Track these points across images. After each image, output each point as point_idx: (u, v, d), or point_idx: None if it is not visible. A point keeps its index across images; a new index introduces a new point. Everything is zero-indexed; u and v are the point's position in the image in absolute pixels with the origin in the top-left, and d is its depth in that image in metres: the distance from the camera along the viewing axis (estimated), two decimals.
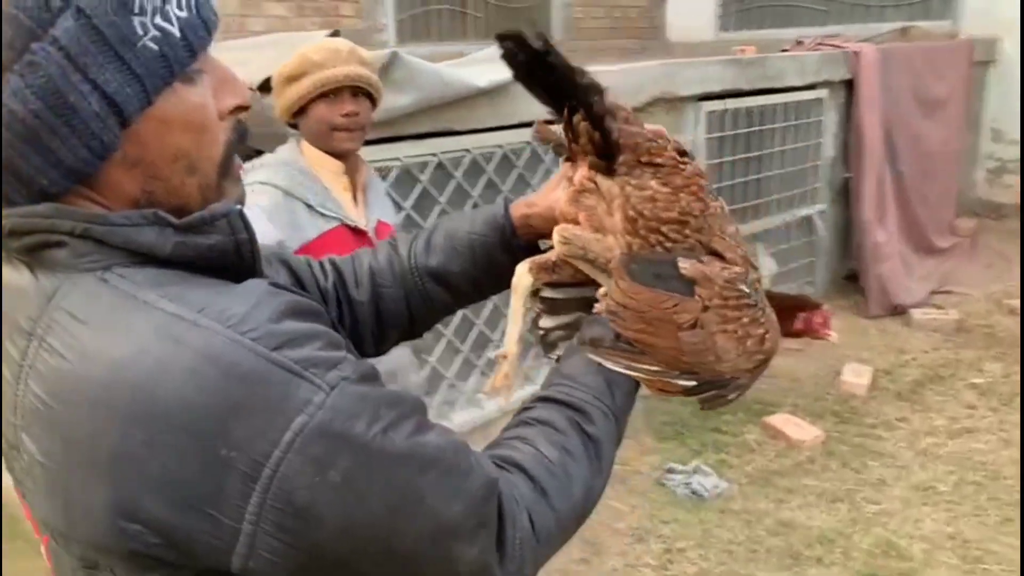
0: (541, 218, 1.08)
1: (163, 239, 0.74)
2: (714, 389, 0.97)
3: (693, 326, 0.92)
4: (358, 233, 2.14)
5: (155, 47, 0.72)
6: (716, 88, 4.71)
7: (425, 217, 3.18)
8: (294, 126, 2.17)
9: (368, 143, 2.32)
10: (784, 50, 5.84)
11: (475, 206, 3.39)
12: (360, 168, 2.22)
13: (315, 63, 2.04)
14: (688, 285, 0.92)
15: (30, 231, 0.74)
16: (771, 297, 1.01)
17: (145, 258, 0.74)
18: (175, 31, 0.74)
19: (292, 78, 2.07)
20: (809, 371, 4.67)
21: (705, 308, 0.92)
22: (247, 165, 2.11)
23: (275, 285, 0.78)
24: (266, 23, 5.08)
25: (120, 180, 0.76)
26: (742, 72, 4.85)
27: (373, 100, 2.17)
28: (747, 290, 0.94)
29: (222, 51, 0.86)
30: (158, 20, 0.73)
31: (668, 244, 0.92)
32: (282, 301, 0.75)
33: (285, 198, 2.05)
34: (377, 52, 2.69)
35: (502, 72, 0.92)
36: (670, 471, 3.70)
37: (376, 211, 2.23)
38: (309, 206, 2.07)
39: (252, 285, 0.76)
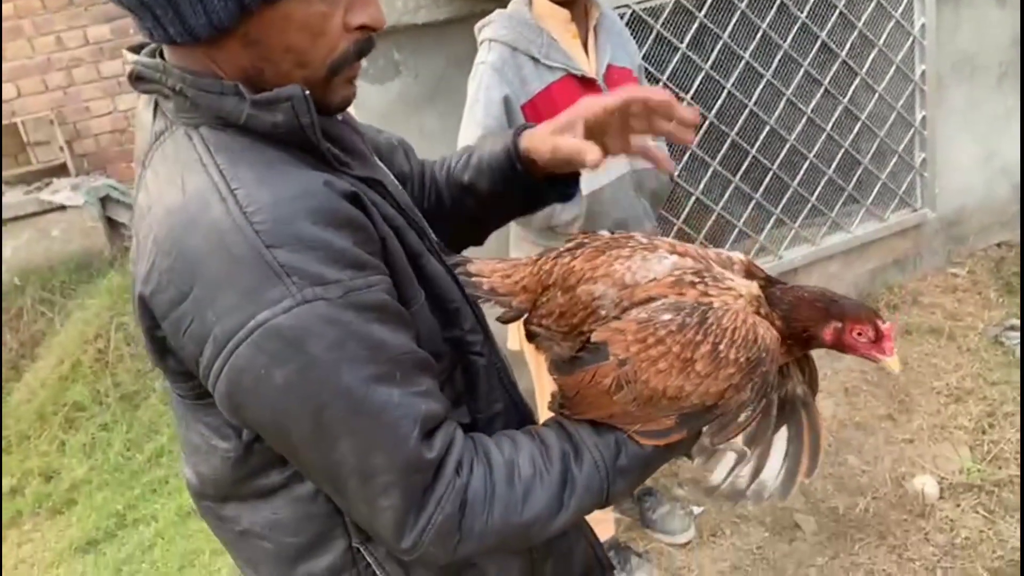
0: (540, 158, 1.14)
1: (239, 109, 0.86)
2: (708, 422, 0.94)
3: (619, 386, 0.92)
4: (586, 82, 2.11)
5: None
6: None
7: (663, 68, 3.04)
8: None
9: None
10: None
11: (723, 50, 3.19)
12: (591, 12, 2.16)
13: None
14: (603, 350, 0.93)
15: (148, 79, 0.90)
16: (800, 299, 0.96)
17: (226, 122, 0.87)
18: None
19: None
20: None
21: (622, 363, 0.91)
22: (481, 22, 2.18)
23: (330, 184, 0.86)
24: None
25: (237, 53, 0.87)
26: None
27: None
28: (671, 316, 0.91)
29: None
30: None
31: (584, 337, 0.96)
32: (314, 204, 0.83)
33: (512, 53, 2.07)
34: None
35: None
36: (1011, 328, 3.31)
37: (608, 56, 2.17)
38: (534, 59, 2.07)
39: (305, 178, 0.86)
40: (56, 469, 3.71)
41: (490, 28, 2.14)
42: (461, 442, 0.90)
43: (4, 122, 5.23)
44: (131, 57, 0.92)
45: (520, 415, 1.10)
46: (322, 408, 0.82)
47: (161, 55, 0.93)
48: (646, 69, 2.95)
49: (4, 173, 5.24)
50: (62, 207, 4.89)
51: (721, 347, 0.89)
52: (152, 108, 0.93)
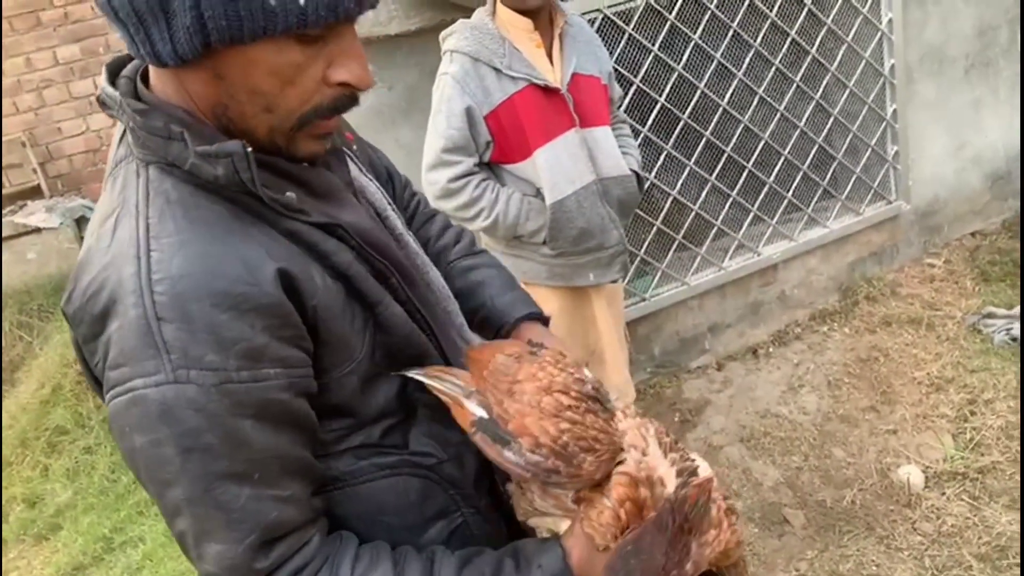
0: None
1: (183, 156, 0.84)
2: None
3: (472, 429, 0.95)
4: (550, 91, 2.10)
5: (273, 3, 0.78)
6: None
7: (636, 71, 3.05)
8: None
9: None
10: None
11: (695, 51, 3.22)
12: (556, 21, 2.15)
13: None
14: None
15: (110, 107, 0.90)
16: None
17: (175, 168, 0.86)
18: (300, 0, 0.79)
19: None
20: None
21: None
22: (444, 32, 2.18)
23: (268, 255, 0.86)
24: None
25: (208, 83, 0.86)
26: None
27: None
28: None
29: None
30: None
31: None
32: (221, 286, 0.82)
33: (474, 64, 2.07)
34: None
35: None
36: (989, 316, 3.35)
37: (573, 65, 2.15)
38: (497, 69, 2.07)
39: (229, 252, 0.84)
40: (40, 495, 3.67)
41: (452, 39, 2.14)
42: (309, 553, 0.89)
43: None
44: (101, 82, 0.93)
45: (473, 463, 1.08)
46: (166, 484, 0.83)
47: (144, 75, 0.93)
48: (619, 73, 2.97)
49: None
50: (37, 229, 4.85)
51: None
52: (121, 132, 0.94)
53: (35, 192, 5.27)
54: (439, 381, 0.98)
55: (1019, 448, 2.73)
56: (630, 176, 2.26)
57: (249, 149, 0.85)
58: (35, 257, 4.86)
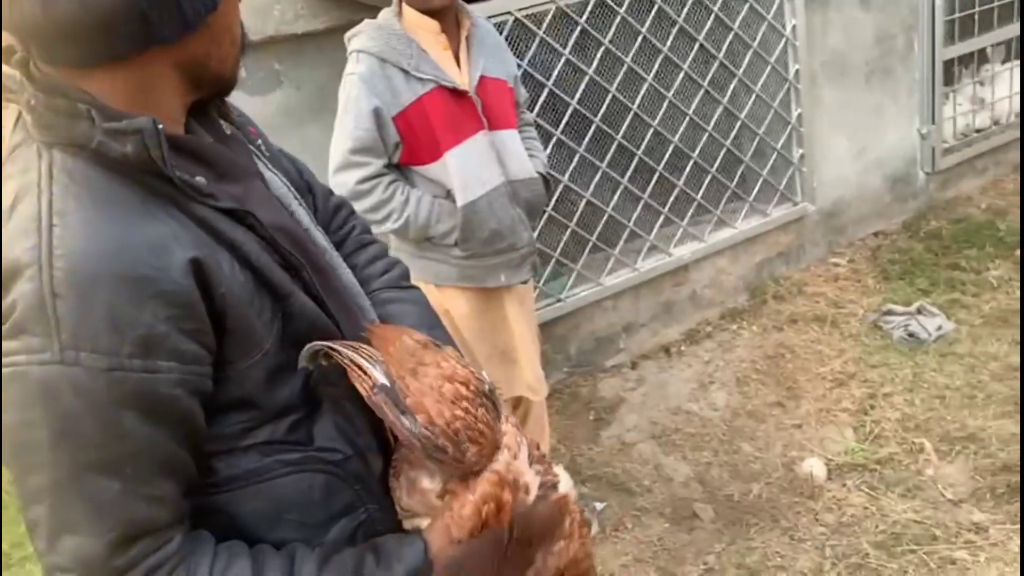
0: None
1: (90, 135, 0.82)
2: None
3: None
4: (457, 93, 2.11)
5: None
6: None
7: (548, 74, 3.08)
8: None
9: None
10: None
11: (606, 55, 3.28)
12: (463, 23, 2.15)
13: None
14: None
15: (8, 89, 0.86)
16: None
17: (80, 147, 0.83)
18: None
19: None
20: None
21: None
22: (350, 32, 2.16)
23: (168, 243, 0.83)
24: None
25: (201, 43, 0.91)
26: None
27: None
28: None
29: None
30: None
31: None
32: (124, 268, 0.79)
33: (381, 64, 2.05)
34: None
35: None
36: (888, 313, 3.49)
37: (480, 67, 2.16)
38: (404, 71, 2.06)
39: (135, 234, 0.82)
40: None
41: (358, 39, 2.12)
42: (167, 553, 0.86)
43: None
44: None
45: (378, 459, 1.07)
46: (31, 469, 0.80)
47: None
48: (531, 76, 2.99)
49: None
50: None
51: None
52: (15, 118, 0.89)
53: None
54: (347, 348, 0.98)
55: (914, 439, 2.85)
56: (537, 179, 2.28)
57: (160, 126, 0.84)
58: None
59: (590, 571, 0.98)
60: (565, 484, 0.94)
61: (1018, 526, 2.42)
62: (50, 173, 0.83)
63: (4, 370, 0.78)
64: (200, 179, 0.89)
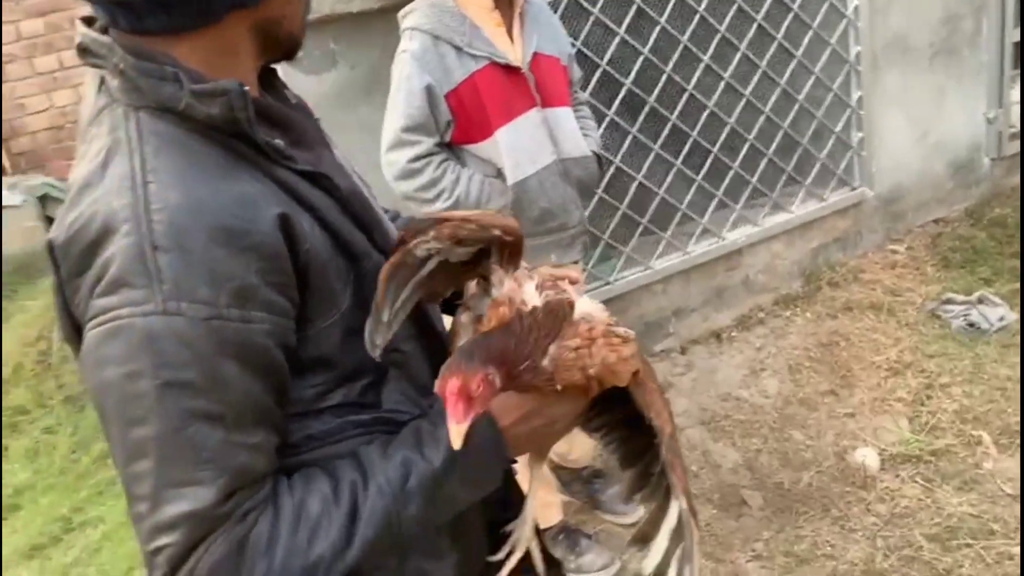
0: None
1: (177, 96, 0.84)
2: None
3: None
4: (511, 70, 2.11)
5: None
6: None
7: (602, 55, 3.04)
8: None
9: None
10: None
11: (661, 34, 3.22)
12: (516, 0, 2.15)
13: None
14: None
15: (95, 54, 0.88)
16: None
17: (166, 109, 0.85)
18: None
19: None
20: None
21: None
22: (404, 9, 2.17)
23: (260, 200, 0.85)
24: None
25: (275, 6, 0.94)
26: None
27: None
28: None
29: None
30: None
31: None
32: (220, 221, 0.81)
33: (434, 41, 2.06)
34: None
35: None
36: (948, 302, 3.40)
37: (534, 44, 2.16)
38: (457, 47, 2.07)
39: (227, 190, 0.84)
40: None
41: (412, 17, 2.12)
42: (260, 499, 0.87)
43: None
44: (82, 29, 0.90)
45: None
46: (136, 422, 0.80)
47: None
48: (585, 55, 2.96)
49: None
50: None
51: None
52: (98, 83, 0.90)
53: None
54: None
55: (972, 432, 2.78)
56: (591, 157, 2.27)
57: (246, 88, 0.86)
58: None
59: (640, 378, 1.00)
60: (584, 303, 0.98)
61: None
62: (139, 134, 0.85)
63: (104, 326, 0.80)
64: (279, 141, 0.92)
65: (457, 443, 0.83)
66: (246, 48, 0.94)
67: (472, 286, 1.04)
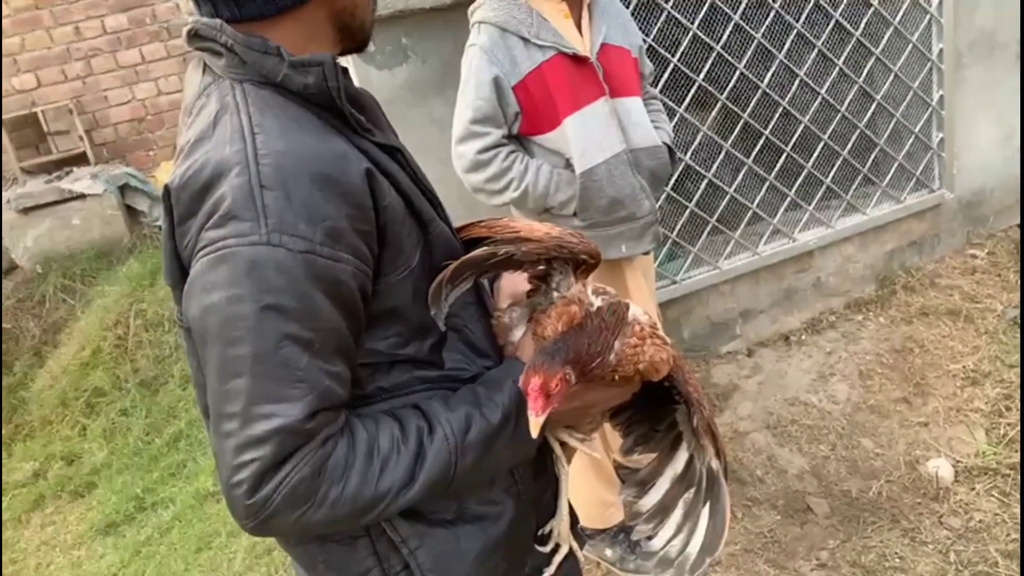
0: None
1: (278, 68, 0.96)
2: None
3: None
4: (579, 60, 2.11)
5: None
6: None
7: (674, 51, 3.00)
8: None
9: None
10: None
11: (735, 30, 3.16)
12: None
13: None
14: None
15: (204, 36, 0.98)
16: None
17: (266, 81, 0.97)
18: None
19: None
20: None
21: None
22: (474, 4, 2.20)
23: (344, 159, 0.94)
24: None
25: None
26: None
27: None
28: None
29: None
30: None
31: None
32: (320, 167, 0.91)
33: (502, 34, 2.09)
34: None
35: None
36: None
37: (602, 35, 2.16)
38: (524, 39, 2.08)
39: (323, 143, 0.94)
40: (78, 453, 3.77)
41: (481, 11, 2.15)
42: (338, 426, 0.94)
43: (24, 112, 5.29)
44: (192, 17, 1.01)
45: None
46: (234, 341, 0.88)
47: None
48: (657, 51, 2.93)
49: (25, 163, 5.30)
50: (82, 196, 4.95)
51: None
52: (201, 67, 1.02)
53: (81, 159, 5.38)
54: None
55: None
56: (661, 147, 2.25)
57: (338, 59, 0.98)
58: (79, 223, 4.96)
59: (680, 373, 1.10)
60: (635, 308, 1.07)
61: None
62: (245, 98, 0.95)
63: (213, 254, 0.88)
64: (361, 117, 1.02)
65: (535, 432, 0.94)
66: (326, 34, 1.04)
67: (525, 283, 1.15)
